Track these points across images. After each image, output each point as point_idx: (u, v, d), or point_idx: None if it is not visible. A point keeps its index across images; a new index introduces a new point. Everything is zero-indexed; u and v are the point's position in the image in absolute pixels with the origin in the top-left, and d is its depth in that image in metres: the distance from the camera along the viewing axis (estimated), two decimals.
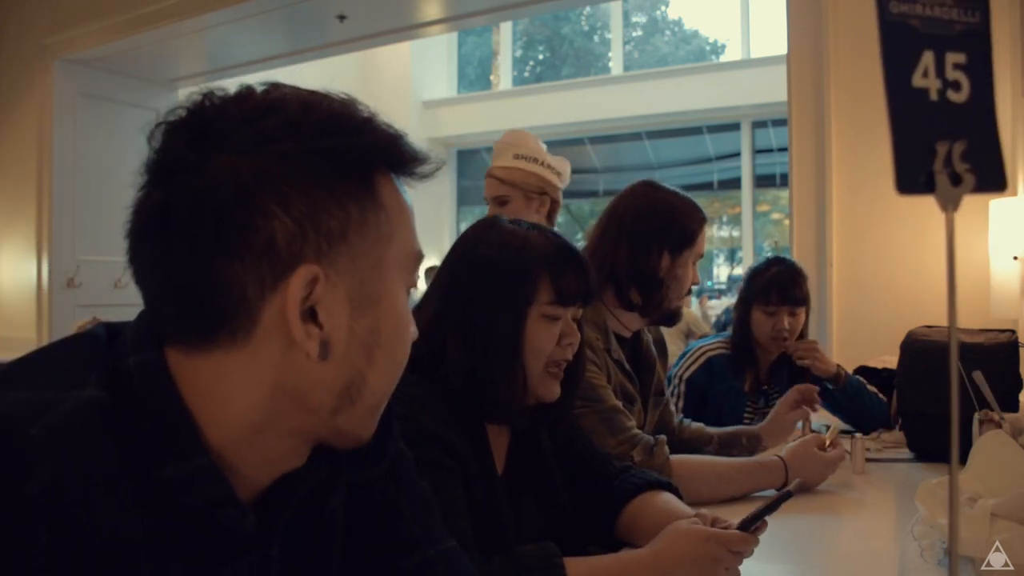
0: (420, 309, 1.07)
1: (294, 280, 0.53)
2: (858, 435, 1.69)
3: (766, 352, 2.16)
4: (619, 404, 1.47)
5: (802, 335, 2.15)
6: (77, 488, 0.47)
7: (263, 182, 0.52)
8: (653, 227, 1.57)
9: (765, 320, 2.10)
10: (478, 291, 1.02)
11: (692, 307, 6.66)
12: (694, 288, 1.67)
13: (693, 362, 2.13)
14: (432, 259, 7.59)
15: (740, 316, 2.17)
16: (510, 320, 1.00)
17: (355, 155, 0.56)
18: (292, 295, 0.53)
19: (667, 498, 1.17)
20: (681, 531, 0.97)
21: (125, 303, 4.16)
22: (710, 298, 8.07)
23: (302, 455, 0.59)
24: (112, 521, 0.48)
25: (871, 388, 2.07)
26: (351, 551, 0.67)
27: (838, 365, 2.05)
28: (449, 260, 1.09)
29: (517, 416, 1.06)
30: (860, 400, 2.03)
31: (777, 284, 2.10)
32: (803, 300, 2.12)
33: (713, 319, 6.96)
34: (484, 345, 1.00)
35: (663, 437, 1.43)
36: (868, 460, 1.72)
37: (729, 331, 2.24)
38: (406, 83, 7.84)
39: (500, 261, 1.03)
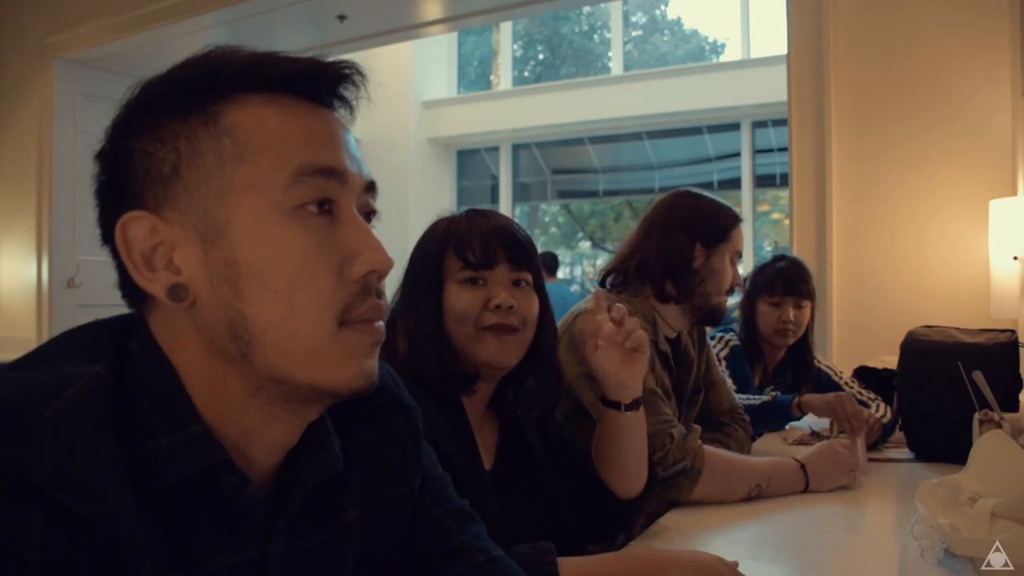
0: None
1: (128, 231, 0.55)
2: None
3: (772, 348, 2.18)
4: (659, 390, 1.49)
5: (807, 333, 2.16)
6: (83, 475, 0.47)
7: (114, 143, 0.57)
8: (682, 219, 1.63)
9: (770, 312, 2.12)
10: (407, 276, 1.12)
11: None
12: (736, 289, 1.68)
13: (724, 345, 2.14)
14: None
15: (746, 311, 2.18)
16: (429, 295, 1.08)
17: (185, 91, 0.56)
18: (128, 247, 0.54)
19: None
20: (705, 554, 0.97)
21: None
22: None
23: (284, 425, 0.58)
24: (113, 507, 0.48)
25: (867, 396, 2.06)
26: (374, 568, 0.66)
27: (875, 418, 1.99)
28: None
29: (465, 381, 1.08)
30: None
31: (783, 276, 2.12)
32: (808, 294, 2.13)
33: None
34: (415, 318, 1.07)
35: (697, 427, 1.44)
36: (868, 460, 1.72)
37: (734, 325, 2.26)
38: (406, 83, 7.83)
39: (419, 248, 1.12)
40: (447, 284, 1.08)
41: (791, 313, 2.10)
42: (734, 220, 1.66)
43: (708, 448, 1.42)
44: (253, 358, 0.54)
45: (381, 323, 0.58)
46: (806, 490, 1.44)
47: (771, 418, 1.97)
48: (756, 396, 2.00)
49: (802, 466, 1.45)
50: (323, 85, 0.59)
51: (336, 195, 0.56)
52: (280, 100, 0.57)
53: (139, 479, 0.50)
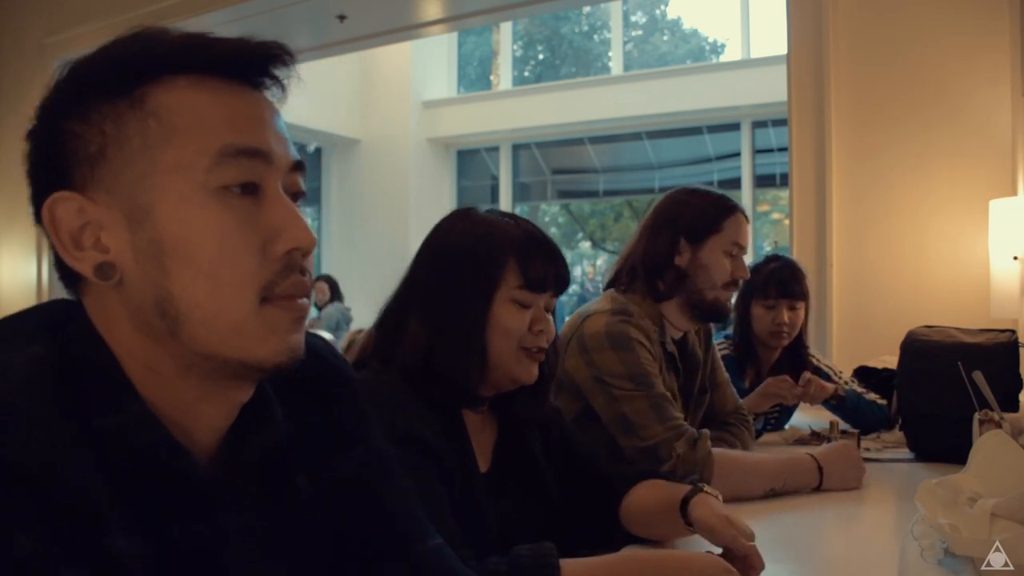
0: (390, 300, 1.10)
1: (56, 211, 0.56)
2: (854, 431, 1.72)
3: (767, 349, 2.16)
4: (667, 393, 1.48)
5: (801, 334, 2.15)
6: (42, 449, 0.48)
7: (43, 123, 0.58)
8: (667, 216, 1.62)
9: (764, 314, 2.11)
10: (445, 274, 1.04)
11: None
12: (740, 281, 1.64)
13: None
14: None
15: (740, 314, 2.17)
16: (477, 301, 1.01)
17: (112, 73, 0.57)
18: (56, 227, 0.56)
19: (665, 483, 1.18)
20: (706, 555, 0.96)
21: None
22: None
23: (220, 400, 0.59)
24: (75, 479, 0.49)
25: (869, 396, 2.08)
26: (336, 549, 0.66)
27: (835, 385, 2.04)
28: (420, 248, 1.11)
29: (479, 397, 1.06)
30: (859, 411, 2.04)
31: (776, 278, 2.11)
32: (802, 295, 2.12)
33: None
34: (443, 323, 1.02)
35: (706, 432, 1.43)
36: (868, 460, 1.72)
37: (730, 331, 2.25)
38: (406, 83, 7.83)
39: (469, 245, 1.04)
40: (498, 295, 1.03)
41: (785, 315, 2.09)
42: (727, 211, 1.61)
43: (721, 452, 1.42)
44: (181, 335, 0.55)
45: (304, 300, 0.59)
46: (819, 488, 1.43)
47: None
48: None
49: (818, 464, 1.45)
50: (251, 66, 0.59)
51: (261, 175, 0.57)
52: (208, 82, 0.57)
53: (93, 454, 0.51)
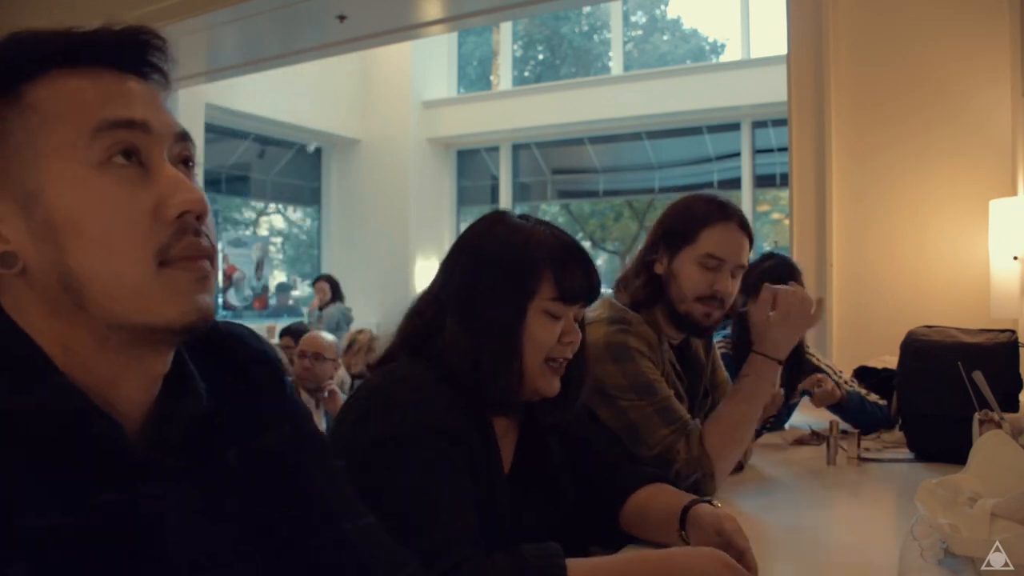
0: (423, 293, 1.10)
1: None
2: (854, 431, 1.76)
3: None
4: (671, 393, 1.48)
5: None
6: None
7: None
8: (659, 221, 1.58)
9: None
10: (481, 280, 1.03)
11: None
12: (718, 298, 1.53)
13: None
14: (433, 259, 7.58)
15: (737, 312, 2.17)
16: (511, 312, 1.01)
17: None
18: None
19: (671, 489, 1.18)
20: (707, 549, 0.96)
21: None
22: None
23: (139, 372, 0.61)
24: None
25: (871, 398, 2.08)
26: (265, 523, 0.68)
27: (836, 386, 2.04)
28: (454, 248, 1.11)
29: (511, 407, 1.06)
30: (863, 413, 2.04)
31: (769, 277, 2.10)
32: None
33: None
34: (483, 334, 1.01)
35: (697, 424, 1.43)
36: (868, 460, 1.73)
37: (729, 331, 2.25)
38: (406, 83, 7.83)
39: (505, 254, 1.04)
40: (532, 306, 1.02)
41: None
42: (706, 221, 1.50)
43: (703, 428, 1.41)
44: (88, 307, 0.57)
45: (206, 262, 0.60)
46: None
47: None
48: None
49: (763, 356, 1.46)
50: (123, 53, 0.62)
51: (142, 144, 0.59)
52: (80, 71, 0.60)
53: (4, 435, 0.53)
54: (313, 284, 6.97)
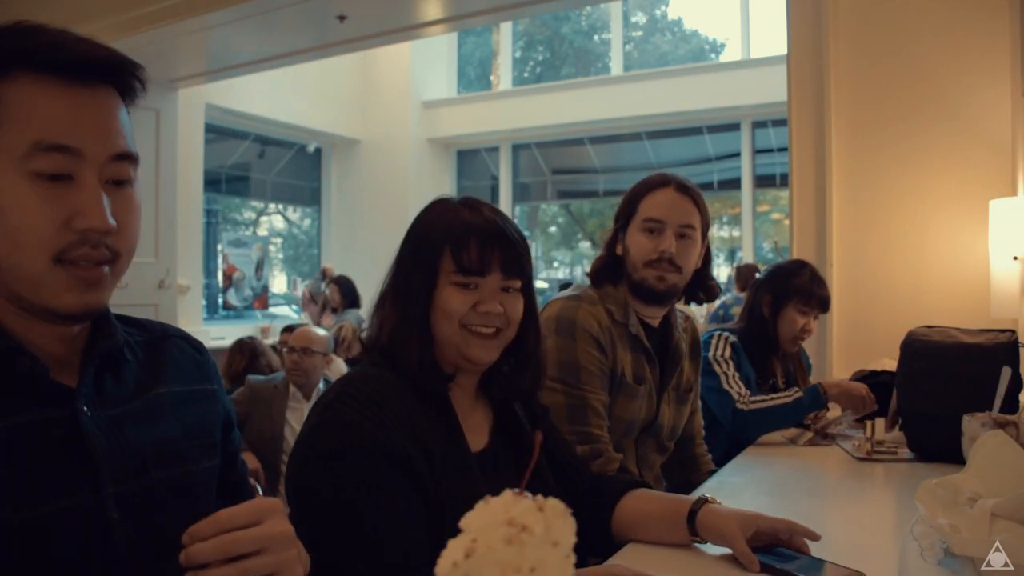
0: None
1: None
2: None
3: (776, 348, 2.21)
4: (599, 403, 1.51)
5: None
6: None
7: None
8: (615, 212, 1.70)
9: (798, 319, 2.17)
10: (401, 261, 1.14)
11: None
12: (664, 258, 1.57)
13: (724, 343, 2.15)
14: None
15: (772, 311, 2.19)
16: (419, 282, 1.09)
17: None
18: None
19: (658, 493, 1.21)
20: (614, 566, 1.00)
21: (125, 303, 4.15)
22: None
23: (49, 330, 0.74)
24: None
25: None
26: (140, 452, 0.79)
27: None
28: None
29: (439, 373, 1.10)
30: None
31: (818, 294, 2.18)
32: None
33: (709, 313, 6.93)
34: (400, 305, 1.10)
35: (616, 468, 1.48)
36: (868, 459, 1.73)
37: (731, 323, 2.27)
38: (406, 83, 7.82)
39: (417, 236, 1.13)
40: (440, 281, 1.09)
41: (813, 324, 2.20)
42: (642, 192, 1.61)
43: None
44: (2, 279, 0.71)
45: (102, 267, 0.72)
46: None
47: (808, 410, 2.01)
48: (782, 393, 2.03)
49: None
50: (87, 71, 0.70)
51: (73, 167, 0.69)
52: (47, 80, 0.69)
53: None
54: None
